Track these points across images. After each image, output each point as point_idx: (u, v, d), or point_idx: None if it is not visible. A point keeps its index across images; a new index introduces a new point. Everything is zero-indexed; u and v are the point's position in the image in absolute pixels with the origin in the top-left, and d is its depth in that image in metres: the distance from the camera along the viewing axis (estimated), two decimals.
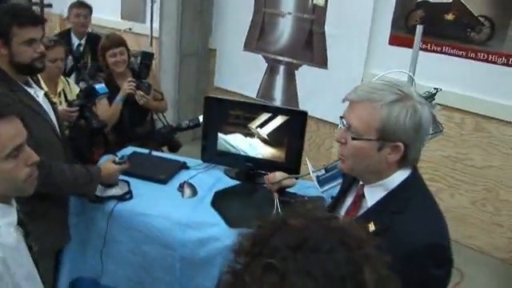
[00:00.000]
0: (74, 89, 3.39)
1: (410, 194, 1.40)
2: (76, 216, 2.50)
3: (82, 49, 4.49)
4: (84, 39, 4.50)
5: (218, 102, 2.74)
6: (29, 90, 2.16)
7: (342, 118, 1.45)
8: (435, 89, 2.26)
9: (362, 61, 4.40)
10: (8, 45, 2.07)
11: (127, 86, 3.28)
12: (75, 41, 4.44)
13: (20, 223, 1.50)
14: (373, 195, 1.44)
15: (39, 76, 2.91)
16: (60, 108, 2.71)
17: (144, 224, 2.34)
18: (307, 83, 4.93)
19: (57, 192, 2.20)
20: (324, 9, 4.60)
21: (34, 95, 2.17)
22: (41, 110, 2.16)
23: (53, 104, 2.36)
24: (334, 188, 2.32)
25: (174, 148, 3.50)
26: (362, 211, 1.48)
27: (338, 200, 1.63)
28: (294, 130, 2.54)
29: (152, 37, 6.12)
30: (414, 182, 1.43)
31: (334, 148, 4.76)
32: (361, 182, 1.51)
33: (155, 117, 3.65)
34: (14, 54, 2.08)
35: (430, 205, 1.42)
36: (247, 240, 0.79)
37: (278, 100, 5.20)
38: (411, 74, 2.48)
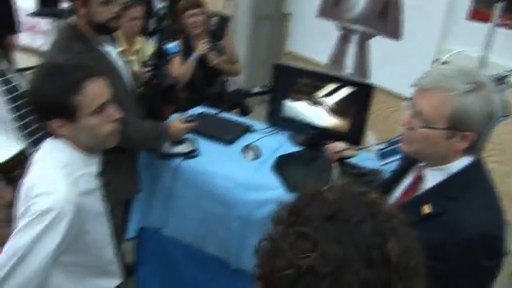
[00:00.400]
0: (149, 48, 3.53)
1: (470, 181, 1.39)
2: (144, 169, 2.66)
3: (164, 11, 4.53)
4: (166, 1, 4.53)
5: (286, 69, 2.78)
6: (104, 48, 2.29)
7: (408, 99, 1.43)
8: (510, 71, 2.19)
9: (437, 34, 4.27)
10: (87, 5, 2.20)
11: (201, 46, 3.37)
12: (157, 2, 4.46)
13: (100, 174, 1.66)
14: (433, 178, 1.44)
15: (118, 34, 3.07)
16: (135, 68, 2.86)
17: (206, 182, 2.46)
18: (379, 54, 4.85)
19: (127, 145, 2.33)
20: None
21: (109, 53, 2.31)
22: (114, 68, 2.29)
23: (126, 62, 2.49)
24: (393, 162, 2.34)
25: (244, 112, 3.62)
26: (419, 192, 1.49)
27: (396, 178, 1.64)
28: (360, 101, 2.55)
29: None
30: (476, 169, 1.42)
31: (397, 122, 4.69)
32: (421, 164, 1.51)
33: (227, 79, 3.75)
34: (91, 13, 2.21)
35: (489, 194, 1.41)
36: (285, 210, 0.85)
37: (348, 68, 5.17)
38: (485, 53, 2.41)
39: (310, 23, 5.49)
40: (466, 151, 1.39)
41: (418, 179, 1.51)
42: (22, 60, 5.34)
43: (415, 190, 1.51)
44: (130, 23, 3.21)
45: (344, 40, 5.18)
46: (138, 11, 3.29)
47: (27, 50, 6.91)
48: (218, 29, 3.45)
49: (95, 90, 1.53)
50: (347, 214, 0.79)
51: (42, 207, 1.45)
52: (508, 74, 2.18)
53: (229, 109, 3.60)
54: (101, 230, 1.69)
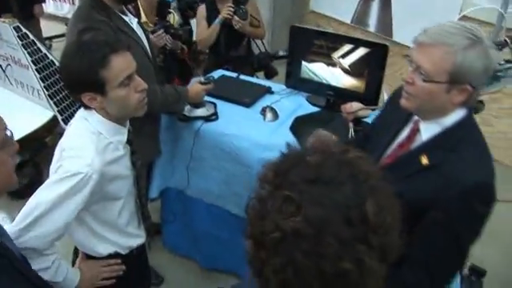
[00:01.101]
0: (174, 18, 3.57)
1: (464, 133, 1.45)
2: (166, 131, 2.75)
3: None
4: None
5: (302, 31, 2.81)
6: (124, 17, 2.36)
7: (408, 57, 1.46)
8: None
9: None
10: None
11: (225, 10, 3.43)
12: None
13: (129, 142, 1.79)
14: (428, 131, 1.50)
15: (139, 5, 3.13)
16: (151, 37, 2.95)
17: (226, 143, 2.55)
18: (403, 10, 4.79)
19: (149, 110, 2.43)
20: None
21: (129, 22, 2.38)
22: (135, 36, 2.36)
23: (145, 31, 2.56)
24: None
25: (269, 74, 3.68)
26: (415, 145, 1.55)
27: (393, 133, 1.68)
28: (375, 62, 2.57)
29: None
30: (469, 123, 1.48)
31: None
32: (416, 117, 1.56)
33: (252, 42, 3.79)
34: None
35: (481, 145, 1.47)
36: (270, 170, 0.89)
37: (372, 26, 5.13)
38: (503, 11, 2.39)
39: None
40: (462, 104, 1.44)
41: (414, 132, 1.56)
42: (49, 27, 5.46)
43: (411, 142, 1.57)
44: None
45: None
46: None
47: (53, 17, 7.04)
48: None
49: (120, 64, 1.63)
50: (328, 177, 0.84)
51: (71, 169, 1.58)
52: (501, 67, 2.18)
53: (254, 71, 3.69)
54: (123, 193, 1.81)
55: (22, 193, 3.60)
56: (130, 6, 2.58)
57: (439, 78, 1.39)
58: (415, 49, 1.43)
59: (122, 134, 1.76)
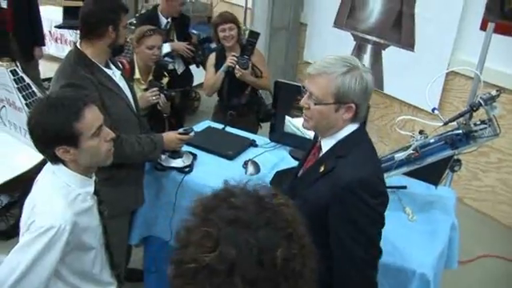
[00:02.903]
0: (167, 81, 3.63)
1: (354, 142, 1.75)
2: (148, 178, 2.78)
3: (168, 26, 4.52)
4: (170, 17, 4.49)
5: (286, 86, 2.89)
6: (107, 71, 2.44)
7: (303, 87, 1.77)
8: (498, 90, 2.25)
9: (450, 45, 4.31)
10: (116, 30, 2.38)
11: (229, 59, 3.56)
12: (163, 20, 4.46)
13: (96, 193, 1.85)
14: (327, 145, 1.79)
15: (135, 62, 3.21)
16: (140, 94, 3.06)
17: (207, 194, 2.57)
18: (393, 64, 4.91)
19: (127, 161, 2.48)
20: None
21: (112, 75, 2.45)
22: (117, 89, 2.44)
23: (129, 83, 2.64)
24: (387, 178, 2.42)
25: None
26: (318, 158, 1.84)
27: (307, 156, 1.99)
28: None
29: (246, 8, 6.31)
30: (359, 135, 1.78)
31: (414, 131, 4.74)
32: (319, 137, 1.85)
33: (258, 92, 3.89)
34: (119, 36, 2.41)
35: (369, 151, 1.79)
36: (200, 204, 0.98)
37: None
38: (478, 72, 2.46)
39: (326, 33, 5.57)
40: (352, 120, 1.73)
41: (317, 149, 1.87)
42: (49, 69, 5.57)
43: (315, 158, 1.88)
44: (149, 51, 3.25)
45: (359, 50, 5.25)
46: (156, 39, 3.31)
47: (54, 59, 7.18)
48: (248, 44, 3.59)
49: (93, 116, 1.71)
50: (247, 220, 0.92)
51: (44, 224, 1.63)
52: (497, 94, 2.24)
53: (259, 122, 3.85)
54: (95, 243, 1.85)
55: (10, 233, 3.62)
56: (114, 58, 2.65)
57: (327, 100, 1.69)
58: (307, 79, 1.74)
59: (90, 186, 1.82)
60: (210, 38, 4.57)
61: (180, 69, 4.45)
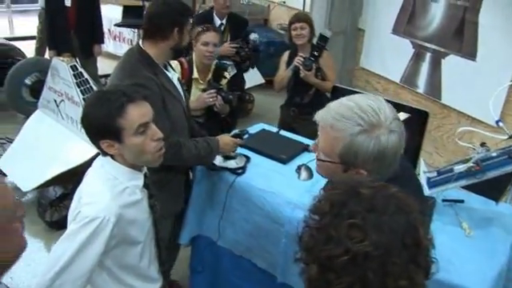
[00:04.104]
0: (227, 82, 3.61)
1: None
2: (200, 180, 2.81)
3: (223, 28, 4.49)
4: (225, 19, 4.46)
5: (344, 92, 2.83)
6: (167, 73, 2.46)
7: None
8: None
9: None
10: (181, 32, 2.40)
11: (296, 59, 3.64)
12: (217, 20, 4.43)
13: (145, 186, 1.85)
14: None
15: (193, 61, 3.23)
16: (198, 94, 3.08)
17: (259, 198, 2.56)
18: (453, 74, 4.75)
19: (184, 165, 2.53)
20: None
21: (171, 78, 2.47)
22: (176, 93, 2.46)
23: (182, 86, 2.66)
24: (445, 191, 2.34)
25: None
26: None
27: None
28: (415, 128, 2.54)
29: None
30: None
31: (473, 142, 4.57)
32: None
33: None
34: (183, 38, 2.42)
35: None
36: (325, 202, 1.03)
37: (420, 88, 5.10)
38: None
39: (384, 40, 5.47)
40: None
41: None
42: (107, 66, 5.72)
43: None
44: (201, 48, 3.24)
45: (418, 58, 5.12)
46: (210, 37, 3.26)
47: (112, 56, 7.37)
48: (316, 46, 3.63)
49: (136, 113, 1.71)
50: (382, 207, 1.00)
51: (89, 214, 1.65)
52: None
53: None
54: (142, 237, 1.85)
55: (62, 223, 3.72)
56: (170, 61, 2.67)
57: (333, 158, 1.44)
58: (319, 125, 1.48)
59: (138, 179, 1.82)
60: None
61: (231, 72, 4.37)
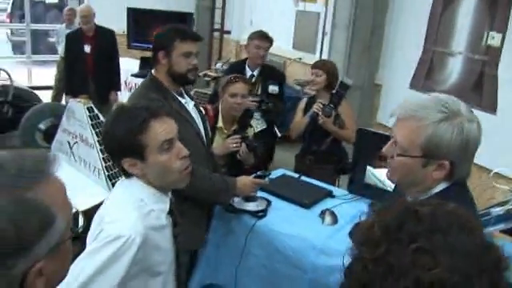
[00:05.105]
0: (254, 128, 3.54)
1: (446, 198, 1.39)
2: (216, 222, 2.67)
3: (254, 79, 4.26)
4: (257, 70, 4.24)
5: (370, 134, 2.75)
6: (180, 99, 2.41)
7: (392, 134, 1.48)
8: None
9: None
10: (169, 56, 2.35)
11: (315, 105, 3.58)
12: (248, 71, 4.24)
13: (171, 213, 1.71)
14: None
15: (219, 109, 3.13)
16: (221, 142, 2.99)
17: (281, 242, 2.42)
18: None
19: (194, 194, 2.33)
20: (499, 49, 4.35)
21: (185, 105, 2.42)
22: (188, 117, 2.39)
23: (202, 114, 2.59)
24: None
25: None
26: None
27: None
28: None
29: None
30: (454, 190, 1.40)
31: (494, 199, 4.43)
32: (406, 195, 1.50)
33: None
34: (172, 64, 2.36)
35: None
36: (377, 228, 0.88)
37: None
38: None
39: (402, 95, 5.42)
40: (446, 179, 1.40)
41: None
42: None
43: None
44: (229, 100, 3.11)
45: None
46: (239, 87, 3.14)
47: None
48: (336, 94, 3.57)
49: (159, 129, 1.60)
50: (445, 226, 0.85)
51: (113, 233, 1.50)
52: None
53: (337, 173, 3.77)
54: (164, 268, 1.69)
55: None
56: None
57: (413, 152, 1.38)
58: (394, 122, 1.45)
59: (165, 203, 1.69)
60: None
61: (259, 126, 4.08)
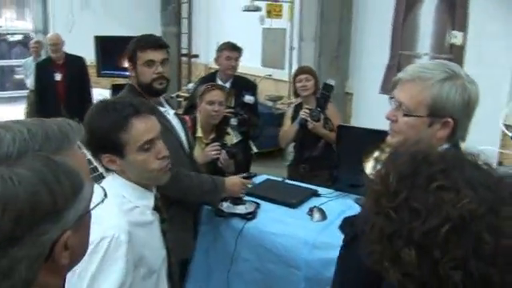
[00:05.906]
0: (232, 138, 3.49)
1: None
2: (204, 229, 2.65)
3: (226, 91, 3.94)
4: (229, 82, 4.17)
5: (351, 130, 2.79)
6: (160, 108, 2.39)
7: (391, 98, 1.51)
8: None
9: (501, 105, 4.16)
10: (135, 67, 2.38)
11: (302, 111, 3.57)
12: (220, 83, 4.05)
13: (157, 209, 1.66)
14: None
15: (198, 119, 3.11)
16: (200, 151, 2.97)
17: (272, 242, 2.42)
18: None
19: (183, 196, 2.33)
20: (462, 48, 4.49)
21: (165, 113, 2.42)
22: (168, 125, 2.38)
23: (182, 122, 2.59)
24: None
25: None
26: None
27: None
28: None
29: (290, 83, 6.35)
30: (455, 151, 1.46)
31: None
32: None
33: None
34: (138, 74, 2.38)
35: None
36: (391, 180, 0.88)
37: None
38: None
39: (373, 101, 5.51)
40: (447, 139, 1.44)
41: None
42: None
43: None
44: (207, 108, 3.09)
45: None
46: (216, 95, 3.13)
47: None
48: (322, 96, 3.57)
49: (142, 127, 1.57)
50: (460, 165, 0.87)
51: (94, 238, 1.38)
52: None
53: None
54: (157, 264, 1.64)
55: None
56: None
57: (419, 112, 1.42)
58: (397, 87, 1.48)
59: (148, 199, 1.64)
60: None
61: (234, 139, 4.11)
